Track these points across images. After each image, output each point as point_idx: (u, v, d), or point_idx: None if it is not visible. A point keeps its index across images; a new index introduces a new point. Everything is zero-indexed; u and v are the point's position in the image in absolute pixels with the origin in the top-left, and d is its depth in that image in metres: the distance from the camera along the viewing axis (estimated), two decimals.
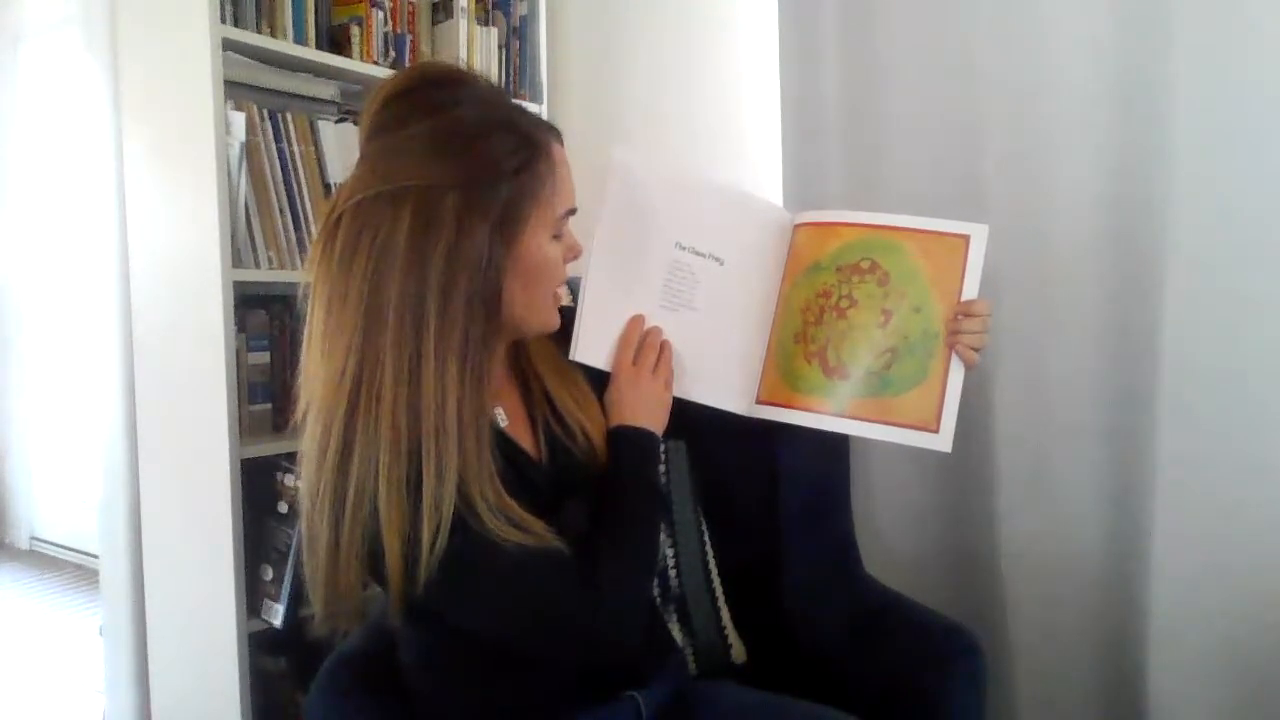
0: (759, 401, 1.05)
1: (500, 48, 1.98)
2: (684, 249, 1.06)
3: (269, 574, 1.53)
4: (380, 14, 1.73)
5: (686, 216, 1.07)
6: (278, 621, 1.50)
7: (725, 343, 1.07)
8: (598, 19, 2.06)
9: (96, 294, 1.75)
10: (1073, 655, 1.41)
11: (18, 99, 3.44)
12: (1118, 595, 1.37)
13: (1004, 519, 1.44)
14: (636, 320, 1.04)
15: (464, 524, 0.81)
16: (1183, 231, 1.24)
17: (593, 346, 1.03)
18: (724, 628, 1.22)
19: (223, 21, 1.45)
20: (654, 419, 1.00)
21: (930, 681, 1.11)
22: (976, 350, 0.98)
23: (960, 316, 0.98)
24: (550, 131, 0.92)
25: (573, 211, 0.93)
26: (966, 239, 1.01)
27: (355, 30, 1.69)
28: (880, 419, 1.00)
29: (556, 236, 0.91)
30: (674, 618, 1.19)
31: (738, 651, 1.21)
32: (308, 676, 1.10)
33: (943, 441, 0.98)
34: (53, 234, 3.35)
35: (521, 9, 2.03)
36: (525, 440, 0.97)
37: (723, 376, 1.07)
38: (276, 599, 1.51)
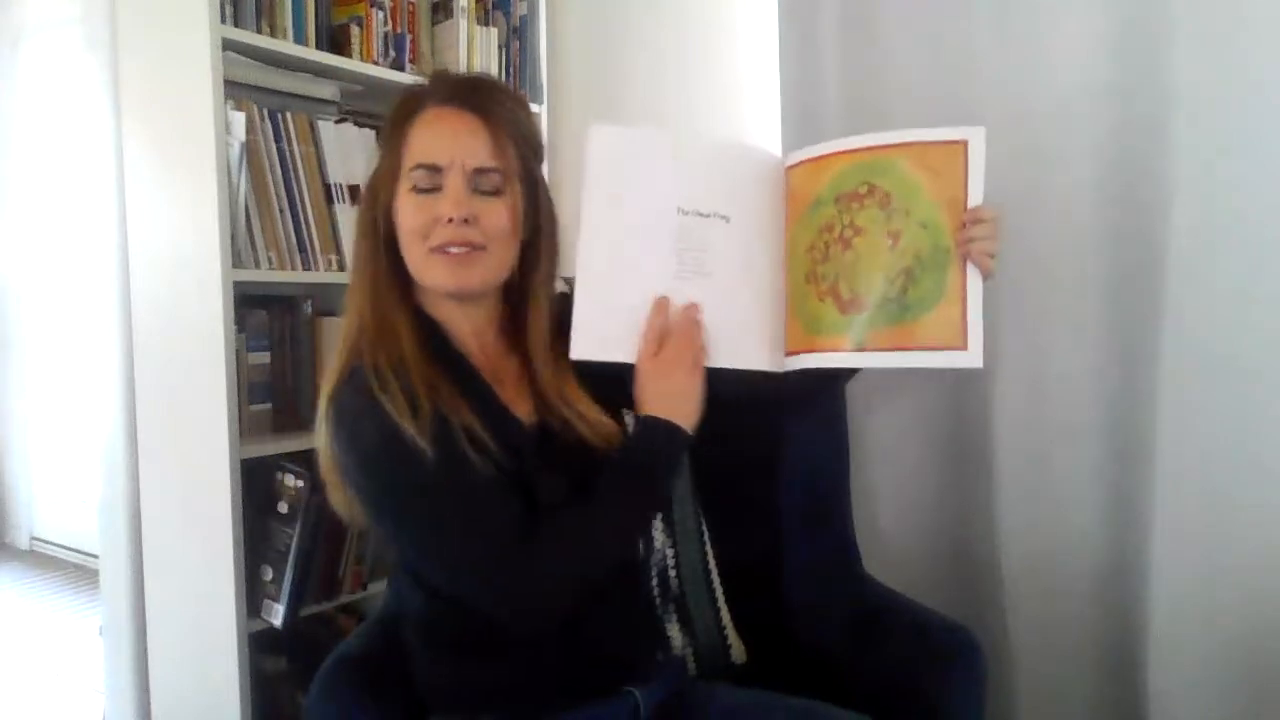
0: (787, 354, 1.03)
1: (500, 48, 1.98)
2: (687, 213, 1.02)
3: (269, 574, 1.53)
4: (380, 14, 1.73)
5: (682, 180, 1.02)
6: (278, 621, 1.50)
7: (746, 302, 1.03)
8: (598, 19, 2.06)
9: (96, 294, 1.75)
10: (1072, 654, 1.41)
11: (18, 99, 3.44)
12: (1118, 595, 1.37)
13: (1004, 518, 1.44)
14: (660, 304, 1.00)
15: (440, 437, 0.90)
16: (1183, 231, 1.24)
17: (597, 340, 0.98)
18: (724, 628, 1.22)
19: (223, 21, 1.44)
20: (682, 412, 0.97)
21: (930, 681, 1.11)
22: (991, 256, 0.96)
23: (969, 224, 0.95)
24: (428, 95, 1.01)
25: (429, 166, 0.97)
26: (964, 144, 0.97)
27: (355, 30, 1.69)
28: (906, 345, 0.96)
29: (415, 189, 0.97)
30: (674, 618, 1.19)
31: (738, 651, 1.22)
32: (308, 676, 1.11)
33: (973, 357, 0.95)
34: (53, 234, 3.35)
35: (521, 9, 2.02)
36: (519, 408, 1.01)
37: (750, 337, 1.03)
38: (276, 599, 1.51)
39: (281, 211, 1.53)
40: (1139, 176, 1.30)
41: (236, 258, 1.46)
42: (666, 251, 1.01)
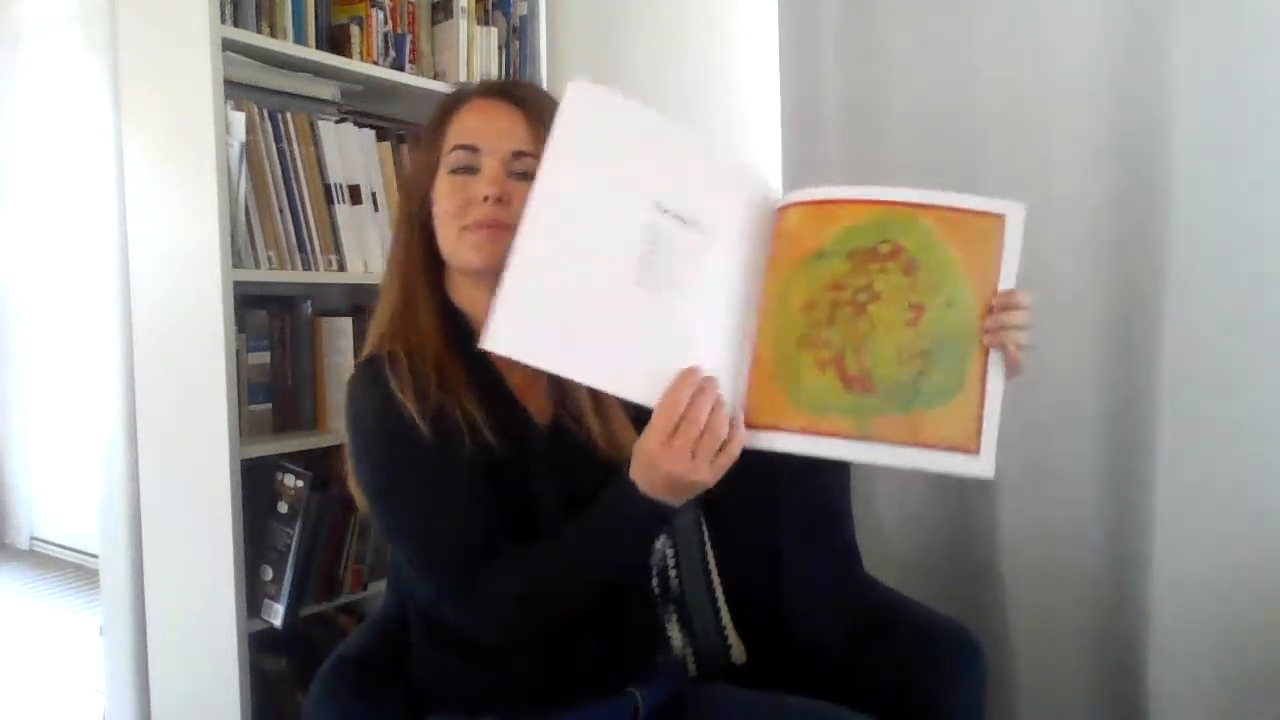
0: (749, 424, 0.85)
1: (500, 48, 1.98)
2: (666, 212, 0.85)
3: (269, 574, 1.53)
4: (380, 14, 1.73)
5: (667, 172, 0.87)
6: (278, 621, 1.50)
7: (711, 338, 0.86)
8: (598, 19, 2.06)
9: (96, 294, 1.75)
10: (1072, 654, 1.41)
11: (18, 99, 3.44)
12: (1118, 594, 1.37)
13: (1004, 518, 1.44)
14: (687, 376, 0.82)
15: (439, 427, 0.91)
16: (1183, 231, 1.24)
17: (519, 335, 0.80)
18: (724, 628, 1.22)
19: (223, 21, 1.44)
20: (682, 497, 0.86)
21: (930, 681, 1.11)
22: (1018, 350, 0.84)
23: (999, 309, 0.85)
24: (470, 91, 1.05)
25: (467, 147, 0.99)
26: (1002, 219, 0.86)
27: (355, 30, 1.69)
28: (911, 441, 0.83)
29: (452, 171, 0.99)
30: (674, 618, 1.19)
31: (738, 652, 1.22)
32: (308, 676, 1.11)
33: (984, 465, 0.83)
34: (53, 234, 3.35)
35: (521, 9, 2.03)
36: (533, 403, 1.02)
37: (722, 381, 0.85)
38: (276, 599, 1.51)
39: (281, 211, 1.53)
40: (1139, 177, 1.30)
41: (236, 258, 1.46)
42: (632, 248, 0.84)
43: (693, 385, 0.82)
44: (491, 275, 0.96)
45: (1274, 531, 1.23)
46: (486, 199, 0.96)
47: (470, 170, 0.98)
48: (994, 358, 0.85)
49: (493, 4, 1.99)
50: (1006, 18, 1.39)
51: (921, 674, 1.12)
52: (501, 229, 0.95)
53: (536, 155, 0.96)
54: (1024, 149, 1.38)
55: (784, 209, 0.90)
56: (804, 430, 0.84)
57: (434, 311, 1.00)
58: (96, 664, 2.07)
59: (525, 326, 0.81)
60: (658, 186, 0.86)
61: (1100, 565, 1.39)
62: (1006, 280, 0.86)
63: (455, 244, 0.98)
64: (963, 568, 1.54)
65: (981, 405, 0.84)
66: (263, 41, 1.52)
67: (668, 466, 0.82)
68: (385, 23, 1.75)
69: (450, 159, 0.99)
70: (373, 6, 1.71)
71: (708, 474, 0.82)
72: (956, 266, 0.86)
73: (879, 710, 1.01)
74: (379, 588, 1.64)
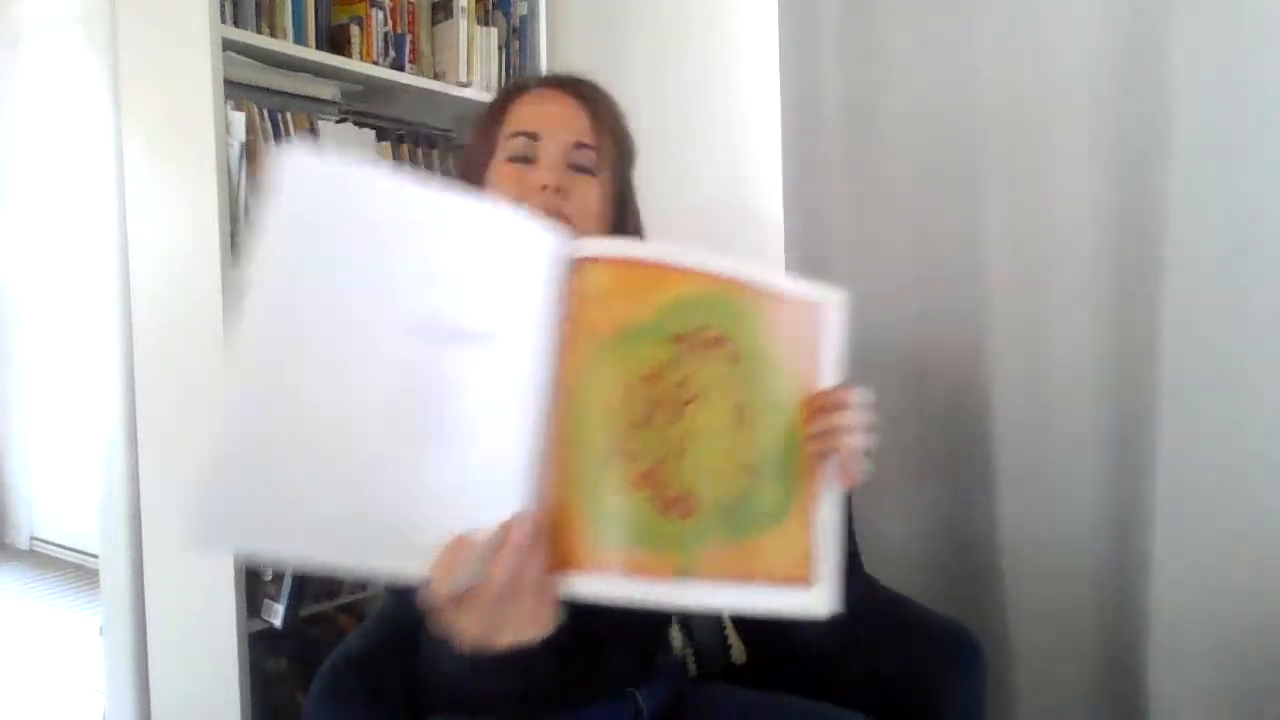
0: (551, 566, 0.66)
1: (500, 48, 1.98)
2: (426, 331, 0.62)
3: (269, 574, 1.53)
4: (380, 14, 1.73)
5: (425, 269, 0.63)
6: (278, 621, 1.50)
7: (502, 475, 0.66)
8: (598, 19, 2.06)
9: (96, 294, 1.75)
10: (1073, 654, 1.41)
11: (18, 99, 3.44)
12: (1118, 594, 1.37)
13: (1004, 518, 1.44)
14: (457, 548, 0.62)
15: None
16: (1184, 230, 1.24)
17: (231, 521, 0.58)
18: (724, 628, 1.21)
19: (223, 21, 1.45)
20: (525, 635, 0.69)
21: (930, 681, 1.11)
22: (849, 457, 0.72)
23: (822, 411, 0.72)
24: (531, 81, 1.03)
25: (528, 134, 0.97)
26: (814, 308, 0.74)
27: (355, 30, 1.69)
28: (741, 576, 0.69)
29: (510, 159, 0.97)
30: (674, 618, 1.19)
31: (738, 652, 1.21)
32: (308, 676, 1.11)
33: (819, 600, 0.71)
34: (53, 234, 3.35)
35: (521, 9, 2.03)
36: None
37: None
38: (276, 599, 1.51)
39: None
40: (1139, 178, 1.30)
41: (236, 257, 1.46)
42: (377, 391, 0.61)
43: (460, 554, 0.62)
44: None
45: (1275, 532, 1.23)
46: (545, 188, 0.93)
47: (529, 159, 0.96)
48: (825, 468, 0.72)
49: (493, 4, 1.99)
50: (1007, 18, 1.39)
51: (921, 674, 1.12)
52: (560, 220, 0.91)
53: (598, 149, 0.97)
54: (1024, 149, 1.38)
55: (583, 262, 0.70)
56: (612, 572, 0.66)
57: None
58: (96, 664, 2.07)
59: (240, 509, 0.57)
60: (411, 295, 0.63)
61: (1100, 565, 1.39)
62: (828, 377, 0.74)
63: None
64: (963, 568, 1.54)
65: (811, 526, 0.71)
66: (263, 41, 1.52)
67: (469, 634, 0.67)
68: (385, 23, 1.75)
69: (508, 146, 0.97)
70: (373, 6, 1.71)
71: (525, 630, 0.67)
72: (780, 360, 0.72)
73: (879, 710, 1.01)
74: (379, 588, 1.64)
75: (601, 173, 0.98)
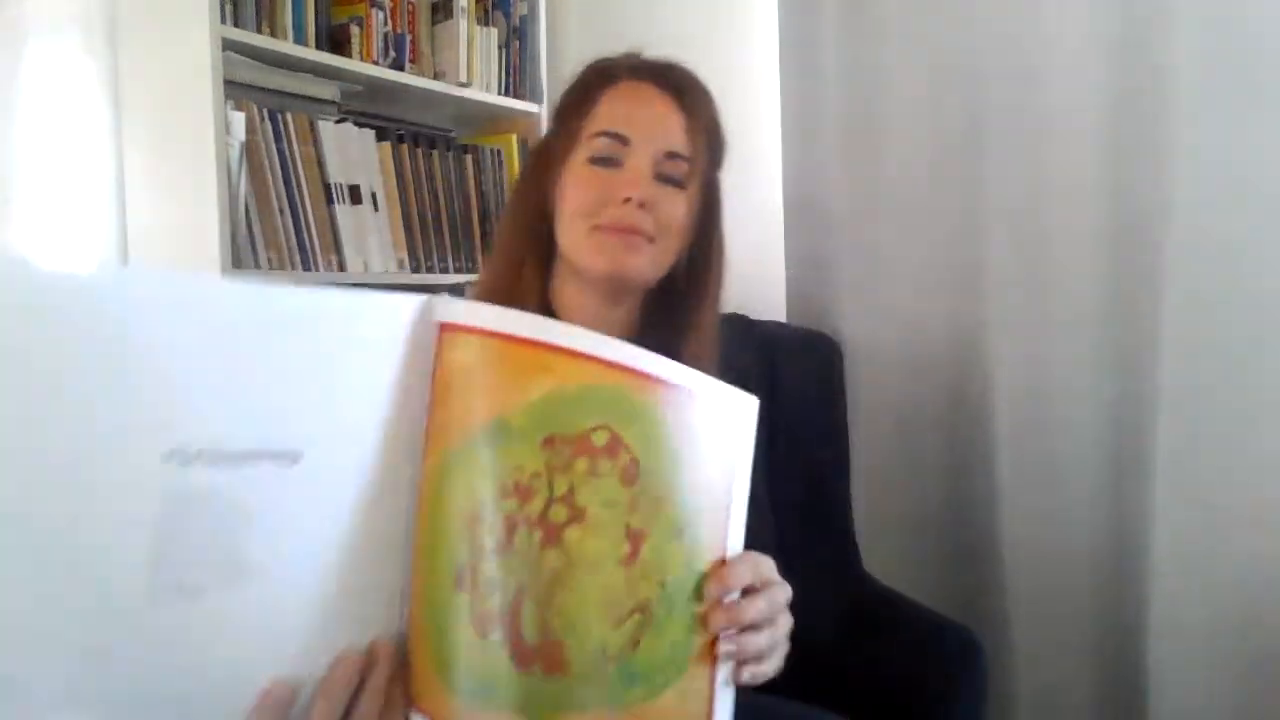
0: (412, 703, 0.55)
1: (500, 48, 1.97)
2: (191, 459, 0.47)
3: None
4: (380, 14, 1.73)
5: (186, 385, 0.48)
6: None
7: (332, 616, 0.53)
8: (598, 19, 2.06)
9: None
10: (1073, 653, 1.41)
11: (18, 99, 3.44)
12: (1118, 594, 1.37)
13: (1004, 517, 1.44)
14: (273, 695, 0.51)
15: None
16: (1184, 230, 1.24)
17: None
18: None
19: (223, 21, 1.45)
20: None
21: (931, 680, 1.11)
22: (750, 658, 0.61)
23: (717, 603, 0.58)
24: (622, 68, 0.93)
25: (615, 136, 0.88)
26: (727, 411, 0.60)
27: (355, 30, 1.69)
28: None
29: (592, 160, 0.88)
30: None
31: None
32: None
33: None
34: (52, 233, 3.35)
35: (521, 9, 2.02)
36: None
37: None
38: None
39: (281, 211, 1.53)
40: (1139, 179, 1.30)
41: (236, 258, 1.46)
42: (129, 550, 0.47)
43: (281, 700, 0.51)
44: (611, 284, 0.89)
45: (1276, 531, 1.23)
46: (629, 200, 0.84)
47: (613, 163, 0.87)
48: (721, 661, 0.59)
49: (493, 4, 1.99)
50: (1006, 18, 1.39)
51: (922, 673, 1.12)
52: (639, 237, 0.86)
53: (691, 159, 0.88)
54: (1024, 150, 1.38)
55: (448, 332, 0.54)
56: None
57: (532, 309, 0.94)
58: None
59: None
60: (164, 414, 0.47)
61: (1101, 565, 1.39)
62: (739, 494, 0.60)
63: (582, 243, 0.87)
64: (963, 568, 1.54)
65: (713, 683, 0.59)
66: (263, 41, 1.52)
67: None
68: (385, 23, 1.74)
69: (592, 145, 0.88)
70: (373, 6, 1.71)
71: None
72: (687, 473, 0.57)
73: (879, 710, 1.01)
74: None
75: (691, 184, 0.90)
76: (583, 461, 0.53)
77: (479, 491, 0.52)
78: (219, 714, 0.51)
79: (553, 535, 0.53)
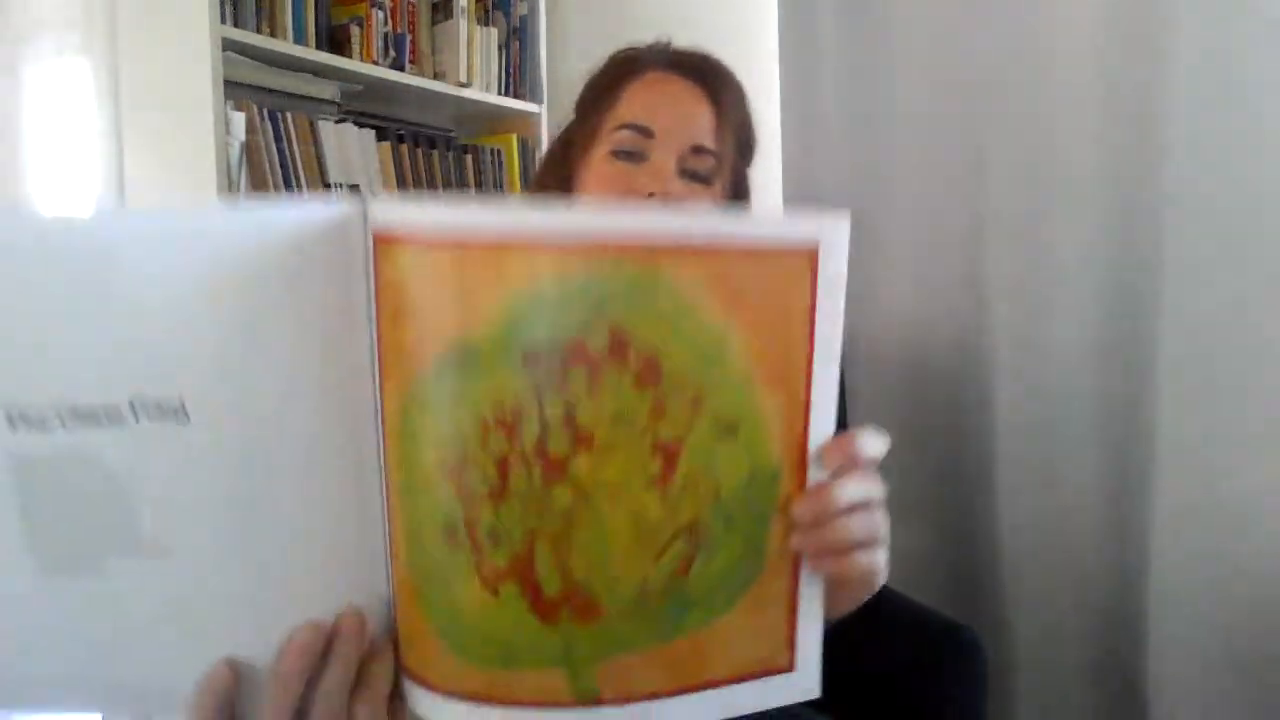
0: (404, 668, 0.47)
1: (500, 48, 1.98)
2: (34, 424, 0.41)
3: None
4: (380, 14, 1.73)
5: (42, 333, 0.41)
6: None
7: (275, 586, 0.45)
8: (598, 19, 2.06)
9: None
10: (1073, 653, 1.41)
11: (18, 99, 3.44)
12: (1118, 594, 1.37)
13: (1004, 516, 1.44)
14: (217, 679, 0.44)
15: None
16: (1184, 229, 1.24)
17: None
18: None
19: (223, 21, 1.45)
20: None
21: (930, 680, 1.11)
22: (859, 575, 0.49)
23: (812, 509, 0.46)
24: (649, 58, 0.90)
25: (639, 128, 0.83)
26: (812, 254, 0.45)
27: (355, 30, 1.69)
28: (683, 684, 0.47)
29: (614, 153, 0.84)
30: None
31: None
32: None
33: (804, 681, 0.51)
34: None
35: (521, 9, 2.03)
36: None
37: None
38: None
39: None
40: (1139, 179, 1.30)
41: None
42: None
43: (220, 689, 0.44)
44: None
45: (1275, 530, 1.23)
46: (651, 196, 0.79)
47: (636, 157, 0.83)
48: (816, 577, 0.49)
49: (493, 4, 1.99)
50: (1007, 17, 1.39)
51: (921, 672, 1.12)
52: None
53: (718, 154, 0.82)
54: (1025, 150, 1.38)
55: (387, 242, 0.42)
56: (477, 698, 0.45)
57: None
58: None
59: None
60: (4, 372, 0.41)
61: (1101, 564, 1.39)
62: (826, 369, 0.45)
63: None
64: (963, 568, 1.54)
65: (794, 592, 0.48)
66: (263, 41, 1.52)
67: None
68: (385, 23, 1.75)
69: (614, 138, 0.83)
70: (373, 6, 1.71)
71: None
72: (740, 359, 0.44)
73: (879, 709, 1.01)
74: None
75: (718, 181, 0.85)
76: (578, 374, 0.42)
77: (452, 434, 0.43)
78: (157, 699, 0.46)
79: (556, 469, 0.43)
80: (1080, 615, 1.41)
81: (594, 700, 0.46)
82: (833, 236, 0.46)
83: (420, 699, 0.47)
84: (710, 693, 0.48)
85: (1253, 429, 1.24)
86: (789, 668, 0.50)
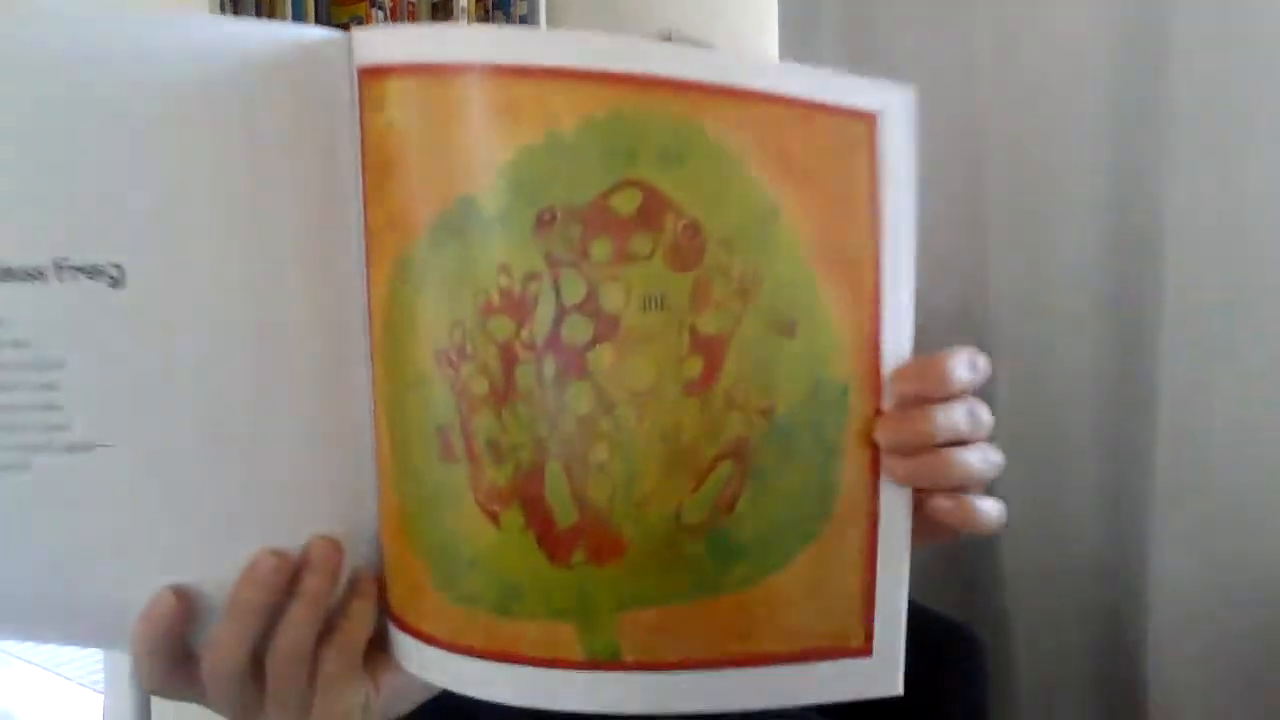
0: (391, 613, 0.40)
1: None
2: None
3: None
4: (380, 14, 1.73)
5: None
6: None
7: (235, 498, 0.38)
8: (598, 19, 2.07)
9: None
10: (1073, 653, 1.41)
11: None
12: (1118, 594, 1.37)
13: (1004, 515, 1.44)
14: (158, 605, 0.38)
15: None
16: (1185, 232, 1.24)
17: None
18: None
19: None
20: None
21: (931, 680, 1.11)
22: (954, 483, 0.43)
23: (900, 413, 0.39)
24: None
25: None
26: (871, 122, 0.39)
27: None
28: (727, 657, 0.37)
29: None
30: None
31: None
32: None
33: (882, 671, 0.42)
34: None
35: (521, 9, 2.03)
36: None
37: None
38: None
39: None
40: (1139, 179, 1.30)
41: None
42: None
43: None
44: None
45: (1272, 526, 1.24)
46: None
47: None
48: (904, 498, 0.42)
49: (493, 4, 1.99)
50: (1007, 19, 1.40)
51: (921, 673, 1.12)
52: None
53: None
54: (1025, 150, 1.39)
55: (375, 75, 0.35)
56: (471, 651, 0.37)
57: None
58: (96, 664, 2.07)
59: None
60: None
61: (1101, 564, 1.39)
62: (897, 264, 0.38)
63: None
64: (963, 568, 1.54)
65: (872, 551, 0.41)
66: None
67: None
68: (385, 22, 1.75)
69: None
70: (373, 6, 1.71)
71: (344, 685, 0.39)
72: (793, 241, 0.36)
73: (879, 709, 1.02)
74: None
75: None
76: (602, 244, 0.34)
77: (449, 313, 0.35)
78: (111, 628, 0.38)
79: (573, 363, 0.35)
80: (1081, 615, 1.41)
81: (611, 661, 0.36)
82: (895, 108, 0.41)
83: (403, 647, 0.39)
84: (757, 671, 0.38)
85: (1255, 426, 1.24)
86: (864, 651, 0.40)
